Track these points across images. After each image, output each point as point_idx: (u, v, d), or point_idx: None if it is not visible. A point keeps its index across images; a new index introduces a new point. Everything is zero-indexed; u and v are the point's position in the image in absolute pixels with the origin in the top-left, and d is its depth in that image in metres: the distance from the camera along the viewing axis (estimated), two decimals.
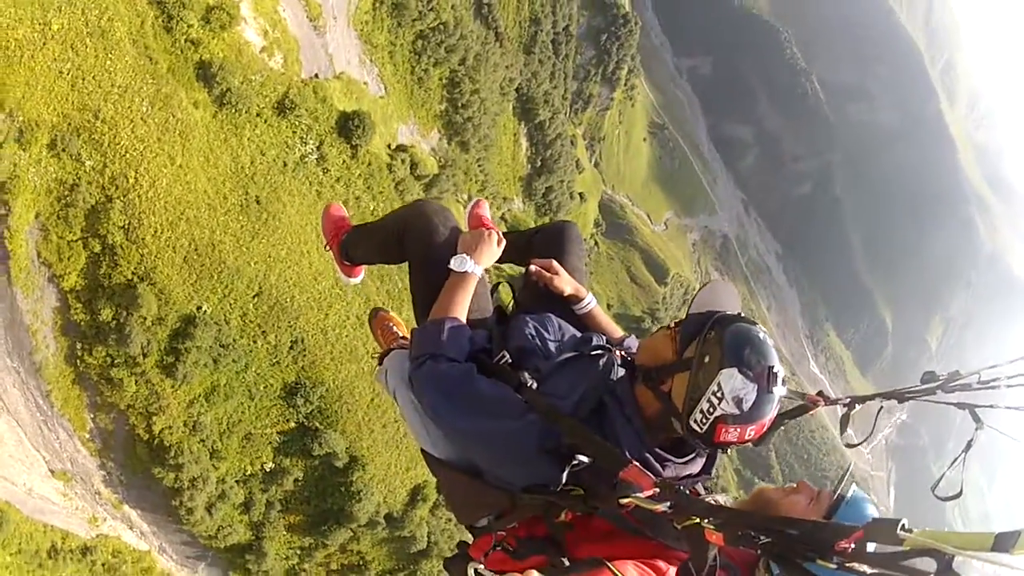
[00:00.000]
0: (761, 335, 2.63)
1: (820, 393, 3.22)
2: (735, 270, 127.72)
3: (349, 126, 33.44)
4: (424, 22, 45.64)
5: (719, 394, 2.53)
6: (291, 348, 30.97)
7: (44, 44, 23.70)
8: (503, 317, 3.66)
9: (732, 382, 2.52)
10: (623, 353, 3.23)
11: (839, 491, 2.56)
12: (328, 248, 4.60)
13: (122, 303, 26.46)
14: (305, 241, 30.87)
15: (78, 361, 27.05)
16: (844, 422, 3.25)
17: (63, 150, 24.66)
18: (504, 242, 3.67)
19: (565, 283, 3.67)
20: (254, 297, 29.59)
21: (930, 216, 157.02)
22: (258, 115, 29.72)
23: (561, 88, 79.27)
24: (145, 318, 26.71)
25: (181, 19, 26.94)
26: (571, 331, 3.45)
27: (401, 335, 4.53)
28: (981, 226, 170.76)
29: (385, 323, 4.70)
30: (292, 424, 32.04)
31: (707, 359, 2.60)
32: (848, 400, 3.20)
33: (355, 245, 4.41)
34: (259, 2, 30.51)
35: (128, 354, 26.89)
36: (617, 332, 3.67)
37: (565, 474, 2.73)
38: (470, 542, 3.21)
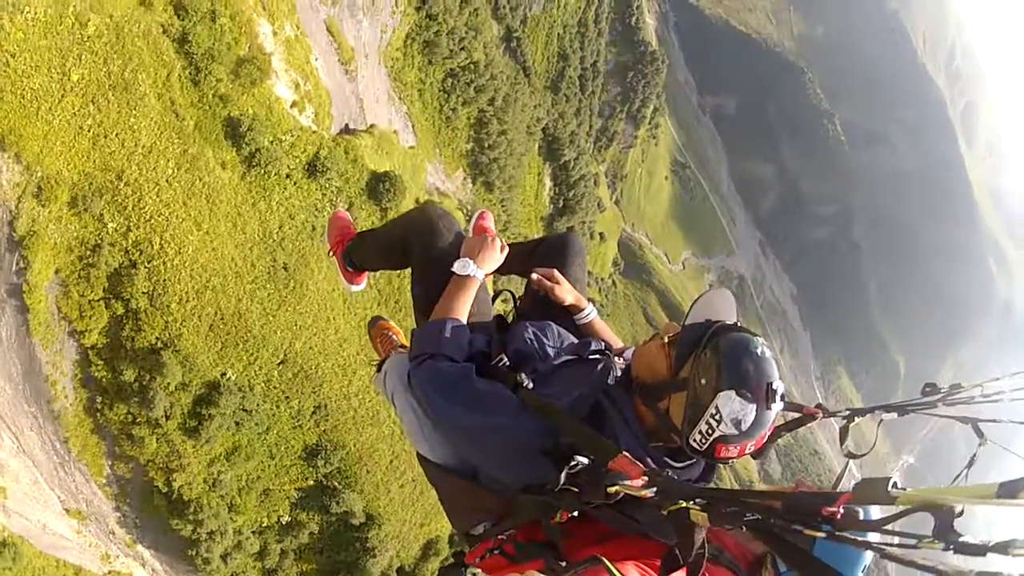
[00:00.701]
0: (758, 350, 2.49)
1: (819, 406, 3.14)
2: (750, 311, 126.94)
3: (380, 188, 32.31)
4: (455, 61, 44.82)
5: (717, 417, 2.44)
6: (314, 413, 30.15)
7: (63, 96, 22.08)
8: (504, 325, 3.61)
9: (731, 404, 2.42)
10: (622, 361, 3.17)
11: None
12: (332, 254, 4.57)
13: (145, 367, 25.50)
14: (331, 307, 30.09)
15: (98, 414, 26.06)
16: (843, 434, 3.20)
17: (84, 210, 23.33)
18: (507, 249, 3.59)
19: (566, 292, 3.67)
20: (279, 364, 28.75)
21: (946, 261, 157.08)
22: (287, 176, 28.40)
23: (586, 125, 78.83)
24: (169, 383, 25.82)
25: (210, 73, 25.33)
26: (570, 339, 3.43)
27: (399, 343, 4.49)
28: (997, 273, 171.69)
29: (384, 332, 4.65)
30: (311, 482, 31.31)
31: (703, 381, 2.49)
32: (847, 412, 3.16)
33: (359, 251, 4.39)
34: (291, 53, 29.01)
35: (150, 415, 26.07)
36: (617, 343, 3.60)
37: (563, 475, 2.53)
38: (467, 551, 3.14)
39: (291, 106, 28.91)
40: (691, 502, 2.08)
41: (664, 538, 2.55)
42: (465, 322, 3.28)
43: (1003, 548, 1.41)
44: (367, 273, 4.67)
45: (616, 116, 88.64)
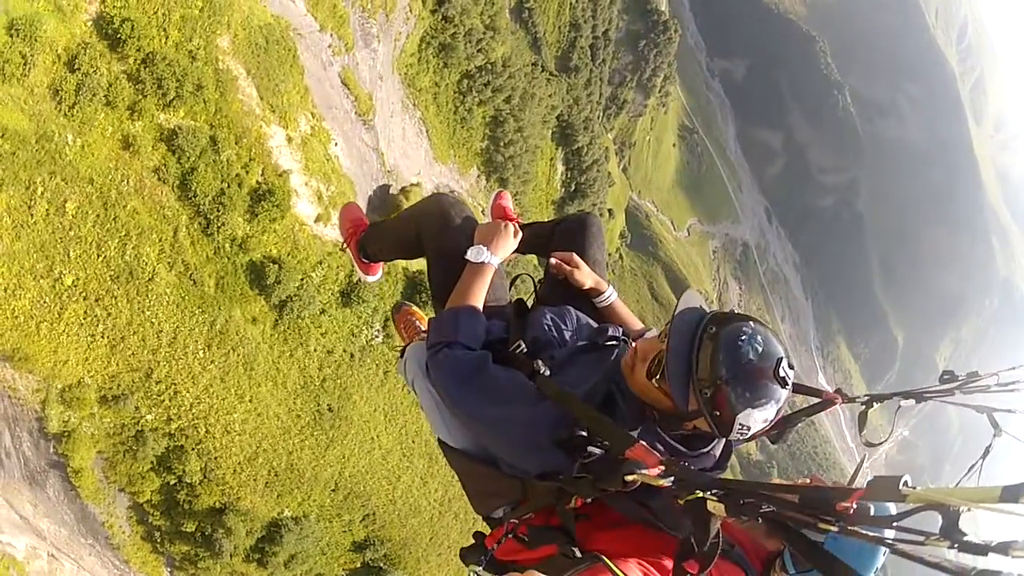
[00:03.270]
0: (752, 346, 2.35)
1: (838, 391, 3.04)
2: (753, 279, 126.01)
3: (418, 288, 30.89)
4: (472, 62, 43.40)
5: (745, 428, 2.39)
6: (363, 520, 30.65)
7: (62, 309, 19.43)
8: (523, 310, 3.46)
9: (752, 417, 2.37)
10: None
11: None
12: (346, 247, 4.44)
13: (206, 523, 25.28)
14: (374, 427, 29.75)
15: (157, 544, 25.82)
16: (862, 420, 3.17)
17: (118, 406, 21.48)
18: (520, 233, 3.49)
19: (586, 276, 3.52)
20: (331, 492, 28.68)
21: (949, 238, 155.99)
22: (322, 312, 26.73)
23: (596, 94, 76.17)
24: (233, 536, 25.68)
25: (223, 222, 22.64)
26: (590, 323, 3.33)
27: (423, 329, 4.45)
28: (999, 252, 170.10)
29: (408, 317, 4.64)
30: (358, 564, 31.94)
31: (718, 412, 2.39)
32: (866, 398, 3.04)
33: (373, 242, 4.27)
34: (309, 155, 26.07)
35: (213, 555, 25.99)
36: (637, 324, 3.47)
37: (576, 464, 2.53)
38: (487, 533, 3.09)
39: (315, 220, 26.56)
40: (708, 492, 2.05)
41: (672, 528, 2.46)
42: (481, 309, 3.16)
43: (1003, 549, 1.45)
44: (382, 264, 4.53)
45: (626, 85, 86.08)
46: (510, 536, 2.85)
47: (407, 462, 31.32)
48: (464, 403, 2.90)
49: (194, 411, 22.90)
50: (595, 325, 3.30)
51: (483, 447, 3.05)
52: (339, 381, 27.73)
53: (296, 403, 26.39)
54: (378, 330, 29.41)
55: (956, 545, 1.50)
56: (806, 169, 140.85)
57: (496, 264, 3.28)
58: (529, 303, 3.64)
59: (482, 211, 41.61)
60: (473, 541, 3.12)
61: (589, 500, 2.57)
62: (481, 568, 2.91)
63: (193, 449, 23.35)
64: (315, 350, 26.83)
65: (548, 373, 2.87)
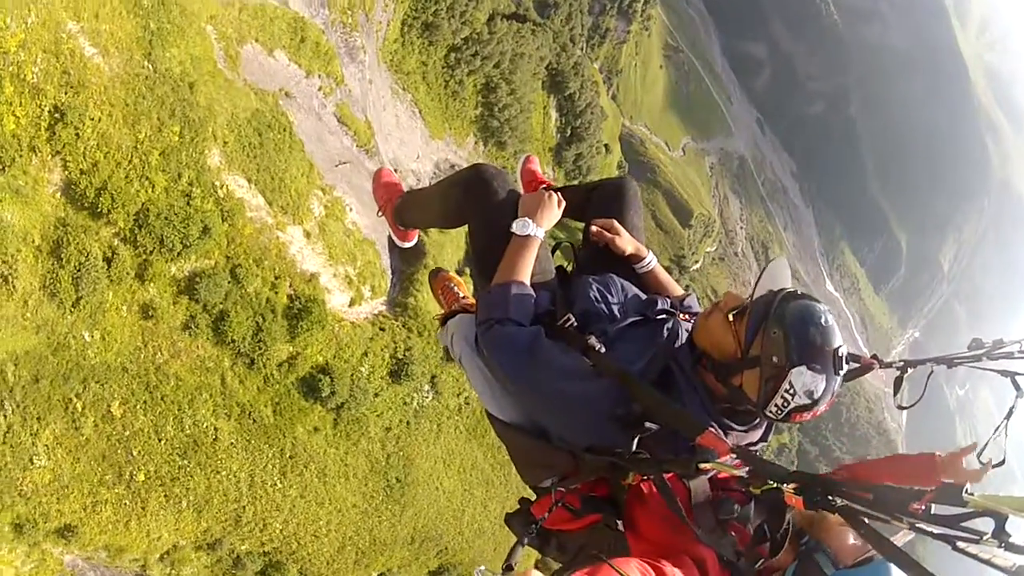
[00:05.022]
0: (822, 319, 2.46)
1: (875, 356, 2.96)
2: (752, 191, 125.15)
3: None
4: (458, 36, 42.42)
5: (791, 391, 2.43)
6: (437, 555, 31.14)
7: (144, 504, 19.36)
8: (565, 278, 3.44)
9: (803, 379, 2.41)
10: (686, 316, 3.12)
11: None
12: (381, 213, 4.39)
13: None
14: (436, 476, 30.07)
15: None
16: (897, 384, 3.04)
17: (213, 550, 21.77)
18: (564, 203, 3.39)
19: (626, 243, 3.46)
20: (408, 544, 29.21)
21: (943, 141, 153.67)
22: (376, 395, 26.35)
23: (578, 27, 75.00)
24: None
25: (267, 359, 22.03)
26: (633, 291, 3.24)
27: (462, 295, 4.41)
28: (993, 153, 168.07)
29: (446, 283, 4.53)
30: None
31: (775, 359, 2.45)
32: (902, 364, 2.99)
33: (409, 210, 4.22)
34: (330, 240, 24.78)
35: None
36: (677, 290, 3.47)
37: (635, 441, 2.55)
38: (531, 500, 3.11)
39: (349, 306, 25.76)
40: (785, 484, 2.09)
41: (702, 534, 2.39)
42: (528, 282, 3.12)
43: None
44: (417, 231, 4.46)
45: (607, 12, 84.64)
46: (559, 505, 2.85)
47: (468, 495, 31.93)
48: (519, 380, 2.88)
49: (284, 533, 23.28)
50: (641, 295, 3.24)
51: (534, 420, 3.04)
52: (401, 452, 28.19)
53: (368, 486, 26.80)
54: (427, 390, 29.53)
55: (1003, 545, 1.68)
56: (794, 78, 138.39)
57: (542, 236, 3.23)
58: (569, 269, 3.64)
59: None
60: (519, 507, 3.12)
61: (649, 476, 2.58)
62: (530, 537, 2.90)
63: (288, 559, 23.83)
64: (375, 434, 27.07)
65: (602, 349, 2.82)
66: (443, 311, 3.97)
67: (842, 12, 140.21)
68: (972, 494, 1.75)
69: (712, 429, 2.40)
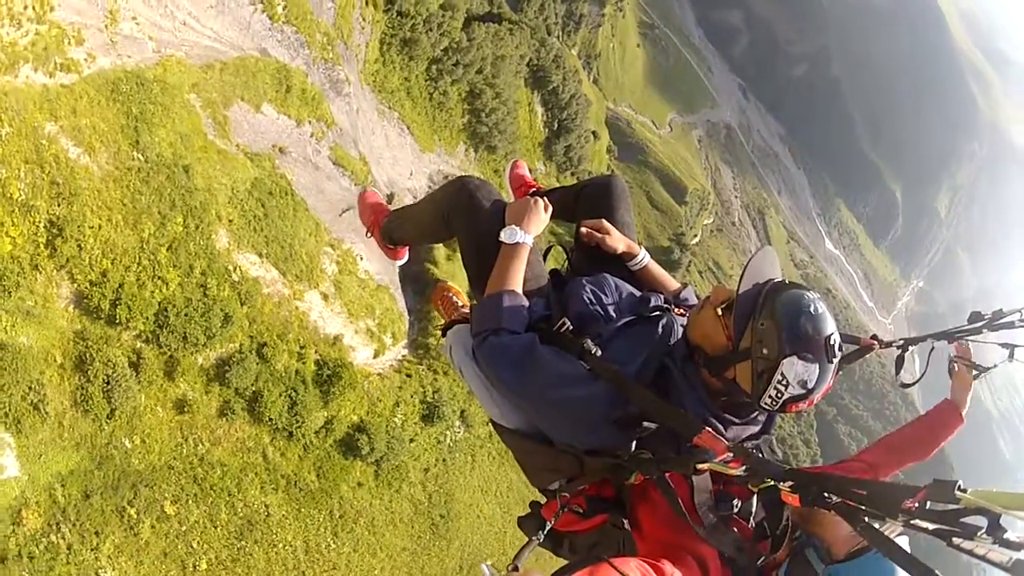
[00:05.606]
0: (811, 307, 2.44)
1: (874, 336, 3.18)
2: (742, 159, 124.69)
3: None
4: (438, 47, 41.47)
5: (784, 382, 2.42)
6: None
7: None
8: (559, 280, 3.40)
9: (795, 368, 2.40)
10: (681, 310, 3.13)
11: None
12: (369, 234, 4.36)
13: None
14: (476, 504, 30.47)
15: None
16: (899, 363, 3.26)
17: None
18: (551, 208, 3.36)
19: (617, 241, 3.45)
20: (458, 573, 29.20)
21: (929, 91, 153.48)
22: (411, 440, 26.68)
23: (552, 16, 73.47)
24: None
25: (305, 429, 22.18)
26: (628, 290, 3.23)
27: (461, 304, 4.48)
28: (979, 96, 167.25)
29: (444, 293, 4.61)
30: None
31: (766, 351, 2.44)
32: (902, 342, 3.20)
33: (397, 228, 4.14)
34: (346, 296, 24.72)
35: None
36: (672, 284, 3.47)
37: (634, 441, 2.58)
38: (542, 502, 3.13)
39: (374, 357, 25.95)
40: (782, 483, 2.11)
41: (705, 534, 2.42)
42: (521, 290, 3.10)
43: None
44: (407, 248, 4.38)
45: None
46: (566, 509, 2.88)
47: (508, 516, 32.19)
48: (516, 388, 2.87)
49: None
50: (635, 292, 3.24)
51: (536, 426, 3.02)
52: (441, 490, 28.54)
53: (415, 528, 27.05)
54: (459, 425, 29.91)
55: (996, 541, 1.67)
56: (773, 42, 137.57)
57: (531, 243, 3.19)
58: (563, 271, 3.64)
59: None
60: (530, 510, 3.14)
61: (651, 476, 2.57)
62: (541, 538, 2.88)
63: None
64: (416, 477, 27.39)
65: (598, 352, 2.81)
66: (444, 322, 3.89)
67: None
68: (964, 491, 1.74)
69: (709, 428, 2.41)
